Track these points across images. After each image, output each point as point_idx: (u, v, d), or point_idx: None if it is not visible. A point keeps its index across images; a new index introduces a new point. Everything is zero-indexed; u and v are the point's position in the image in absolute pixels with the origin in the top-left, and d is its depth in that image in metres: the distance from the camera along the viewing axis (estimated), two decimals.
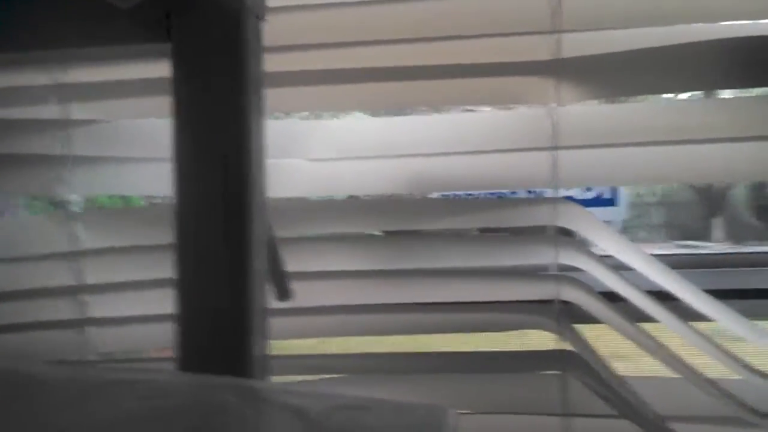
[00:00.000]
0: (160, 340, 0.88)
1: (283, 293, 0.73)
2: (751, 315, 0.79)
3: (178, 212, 0.60)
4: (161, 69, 0.59)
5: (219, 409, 0.45)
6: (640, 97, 0.97)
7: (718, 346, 0.78)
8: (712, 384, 0.76)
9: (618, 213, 1.13)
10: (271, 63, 0.75)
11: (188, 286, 0.60)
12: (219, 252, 0.59)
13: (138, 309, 0.88)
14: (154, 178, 0.85)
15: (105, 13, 0.58)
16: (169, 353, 0.67)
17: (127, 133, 0.87)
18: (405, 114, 0.90)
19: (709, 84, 0.84)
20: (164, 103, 0.59)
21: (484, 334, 0.88)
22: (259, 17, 0.61)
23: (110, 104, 0.87)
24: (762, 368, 0.78)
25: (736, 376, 0.79)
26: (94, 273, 0.89)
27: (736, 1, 0.78)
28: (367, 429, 0.44)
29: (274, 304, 0.69)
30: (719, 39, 0.77)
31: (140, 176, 0.87)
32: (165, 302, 0.62)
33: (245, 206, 0.59)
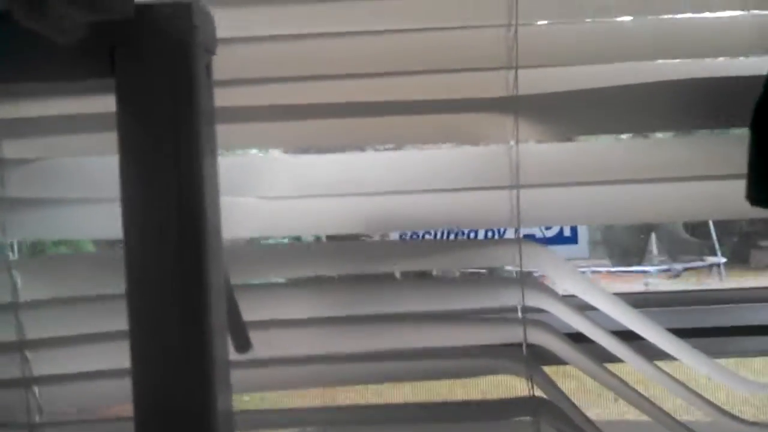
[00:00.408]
0: (116, 396, 0.81)
1: (242, 344, 0.68)
2: (712, 353, 0.79)
3: (128, 257, 0.56)
4: (105, 103, 0.55)
5: None
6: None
7: (684, 387, 0.76)
8: (683, 427, 0.74)
9: (579, 251, 1.12)
10: (223, 98, 0.73)
11: (142, 338, 0.56)
12: (174, 300, 0.55)
13: (90, 364, 0.81)
14: (101, 220, 0.80)
15: (44, 47, 0.54)
16: (127, 411, 0.63)
17: (69, 172, 0.82)
18: (362, 151, 0.88)
19: (667, 124, 0.83)
20: (109, 139, 0.55)
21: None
22: (209, 50, 0.58)
23: (48, 141, 0.81)
24: (727, 408, 0.77)
25: (704, 418, 0.77)
26: (37, 326, 0.82)
27: (691, 39, 0.78)
28: None
29: (233, 355, 0.64)
30: (670, 80, 0.77)
31: (85, 218, 0.82)
32: (120, 356, 0.57)
33: (200, 249, 0.56)
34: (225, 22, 0.74)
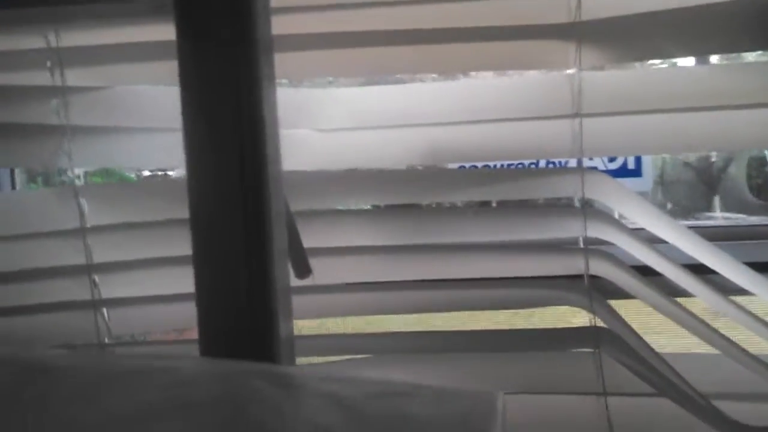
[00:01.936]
0: (181, 320, 0.83)
1: (302, 271, 0.69)
2: None
3: (192, 187, 0.56)
4: (165, 31, 0.54)
5: (251, 398, 0.41)
6: (665, 61, 0.92)
7: (757, 319, 0.74)
8: (754, 360, 0.72)
9: (643, 183, 1.09)
10: (280, 26, 0.71)
11: (207, 265, 0.57)
12: (237, 228, 0.56)
13: (155, 289, 0.83)
14: (164, 149, 0.80)
15: None
16: (191, 334, 0.64)
17: (133, 101, 0.82)
18: (419, 81, 0.86)
19: (738, 46, 0.79)
20: (170, 68, 0.55)
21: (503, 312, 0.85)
22: None
23: (112, 69, 0.81)
24: None
25: None
26: (104, 251, 0.84)
27: None
28: (413, 418, 0.40)
29: (293, 282, 0.65)
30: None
31: (149, 148, 0.82)
32: (184, 281, 0.58)
33: (261, 178, 0.56)
34: None
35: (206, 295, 0.56)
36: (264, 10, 0.57)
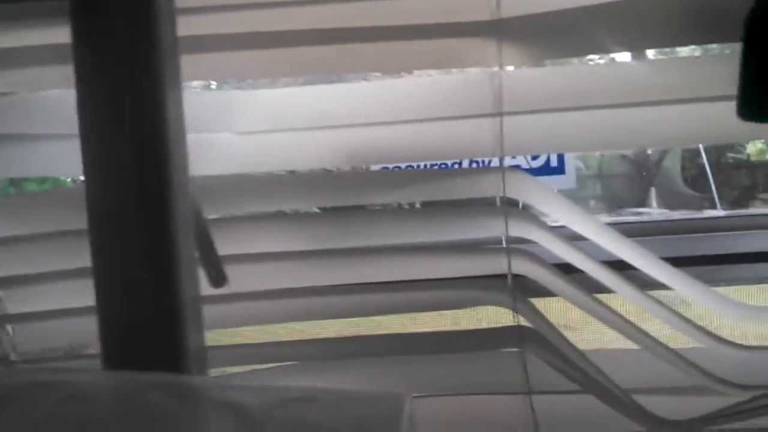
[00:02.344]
0: (88, 334, 0.80)
1: (217, 279, 0.67)
2: (707, 281, 0.77)
3: (90, 194, 0.53)
4: (66, 34, 0.52)
5: (149, 412, 0.40)
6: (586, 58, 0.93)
7: (676, 315, 0.75)
8: (674, 354, 0.73)
9: (566, 181, 1.10)
10: (188, 27, 0.69)
11: (106, 275, 0.54)
12: (137, 235, 0.53)
13: (60, 302, 0.79)
14: (67, 156, 0.77)
15: None
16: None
17: (31, 107, 0.79)
18: (339, 82, 0.85)
19: (658, 42, 0.80)
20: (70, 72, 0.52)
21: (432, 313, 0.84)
22: None
23: (9, 75, 0.78)
24: (719, 334, 0.76)
25: (697, 345, 0.76)
26: (7, 264, 0.80)
27: None
28: (314, 424, 0.39)
29: (208, 290, 0.63)
30: None
31: (51, 155, 0.79)
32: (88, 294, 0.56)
33: (164, 184, 0.53)
34: None
35: (107, 308, 0.54)
36: (167, 10, 0.54)
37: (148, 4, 0.52)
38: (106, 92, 0.52)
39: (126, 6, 0.51)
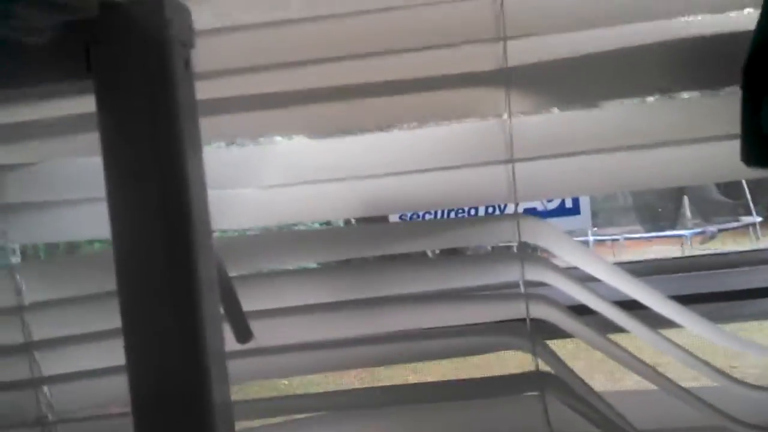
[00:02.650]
0: (122, 392, 0.82)
1: (242, 334, 0.69)
2: (717, 319, 0.78)
3: (117, 255, 0.56)
4: (89, 104, 0.55)
5: None
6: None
7: (690, 354, 0.75)
8: (689, 394, 0.73)
9: (581, 221, 1.11)
10: (205, 90, 0.72)
11: (135, 334, 0.56)
12: (164, 295, 0.55)
13: (97, 362, 0.82)
14: (98, 220, 0.80)
15: (19, 51, 0.54)
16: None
17: (65, 174, 0.82)
18: (353, 134, 0.87)
19: (664, 86, 0.82)
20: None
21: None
22: (186, 44, 0.57)
23: (43, 144, 0.81)
24: (735, 374, 0.76)
25: (711, 384, 0.77)
26: (43, 328, 0.83)
27: None
28: None
29: (234, 346, 0.65)
30: (671, 39, 0.75)
31: (83, 219, 0.82)
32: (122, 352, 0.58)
33: (188, 243, 0.56)
34: (205, 14, 0.75)
35: (136, 367, 0.56)
36: (185, 75, 0.57)
37: (165, 71, 0.55)
38: (130, 156, 0.55)
39: (146, 75, 0.54)
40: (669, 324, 0.78)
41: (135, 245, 0.56)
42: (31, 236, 0.86)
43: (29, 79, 0.56)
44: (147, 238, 0.55)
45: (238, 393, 0.63)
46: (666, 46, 0.75)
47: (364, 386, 0.83)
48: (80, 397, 0.84)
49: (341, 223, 1.13)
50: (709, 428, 0.75)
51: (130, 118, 0.55)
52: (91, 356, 0.81)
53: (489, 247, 1.07)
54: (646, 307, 0.78)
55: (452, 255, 0.89)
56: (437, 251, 0.94)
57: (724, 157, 0.74)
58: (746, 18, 0.73)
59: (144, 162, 0.55)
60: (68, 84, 0.58)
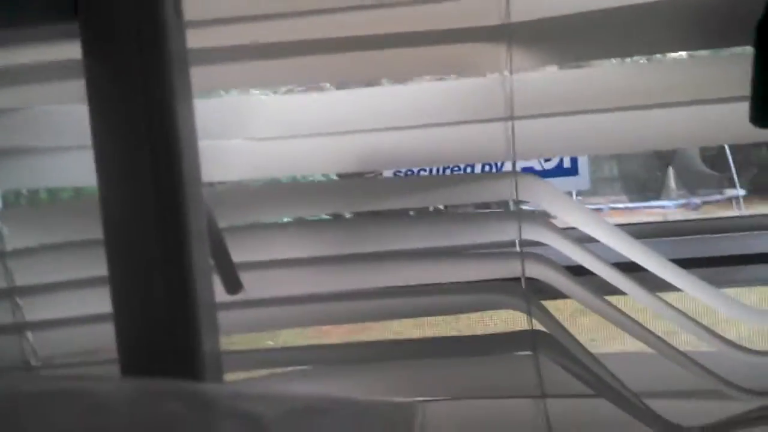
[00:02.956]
0: (107, 340, 0.81)
1: (232, 285, 0.68)
2: (717, 283, 0.77)
3: (105, 204, 0.55)
4: (77, 50, 0.53)
5: (165, 423, 0.41)
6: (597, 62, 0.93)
7: (688, 318, 0.75)
8: (685, 357, 0.73)
9: (580, 182, 1.10)
10: (197, 38, 0.70)
11: (122, 282, 0.55)
12: (152, 244, 0.54)
13: (81, 309, 0.81)
14: (79, 168, 0.78)
15: None
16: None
17: (46, 121, 0.80)
18: (350, 88, 0.85)
19: (668, 46, 0.80)
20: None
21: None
22: None
23: (23, 90, 0.79)
24: (733, 339, 0.76)
25: (709, 348, 0.76)
26: (26, 274, 0.82)
27: None
28: None
29: (224, 297, 0.64)
30: None
31: (64, 166, 0.81)
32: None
33: (177, 193, 0.54)
34: None
35: (124, 314, 0.55)
36: (176, 23, 0.55)
37: (156, 18, 0.52)
38: (118, 105, 0.53)
39: (135, 21, 0.52)
40: (670, 288, 0.77)
41: (122, 194, 0.54)
42: (13, 182, 0.84)
43: (13, 20, 0.54)
44: (135, 188, 0.54)
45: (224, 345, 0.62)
46: (670, 4, 0.73)
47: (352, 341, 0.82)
48: (64, 344, 0.83)
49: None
50: (705, 392, 0.74)
51: (117, 64, 0.52)
52: (76, 303, 0.80)
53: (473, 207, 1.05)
54: (644, 269, 0.77)
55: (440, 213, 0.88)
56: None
57: (733, 119, 0.73)
58: None
59: (132, 111, 0.53)
60: (54, 27, 0.56)
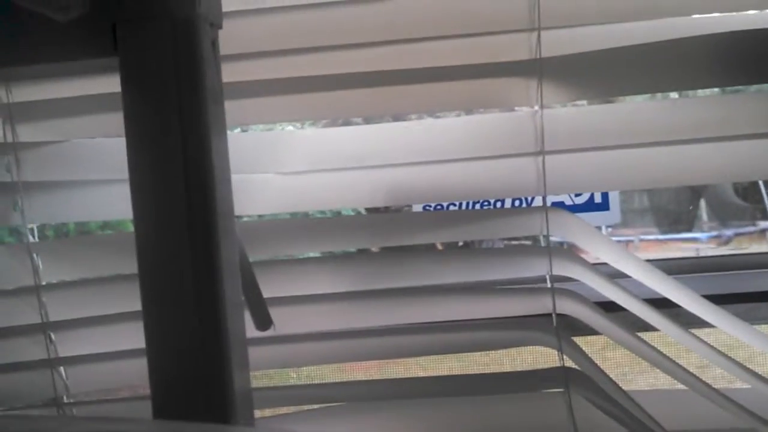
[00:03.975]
0: (139, 376, 0.81)
1: (262, 321, 0.68)
2: (750, 319, 0.77)
3: (140, 238, 0.55)
4: (114, 83, 0.54)
5: None
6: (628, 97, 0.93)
7: (721, 354, 0.73)
8: (719, 394, 0.71)
9: (611, 217, 1.09)
10: (232, 73, 0.71)
11: (156, 317, 0.55)
12: (185, 278, 0.54)
13: (112, 345, 0.81)
14: (118, 201, 0.80)
15: (46, 27, 0.53)
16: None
17: (85, 154, 0.82)
18: (381, 122, 0.86)
19: (699, 82, 0.79)
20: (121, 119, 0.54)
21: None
22: (215, 24, 0.56)
23: (63, 123, 0.81)
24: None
25: (743, 385, 0.75)
26: (60, 308, 0.83)
27: None
28: None
29: (254, 333, 0.64)
30: (707, 34, 0.73)
31: (102, 200, 0.82)
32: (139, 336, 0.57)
33: (211, 228, 0.55)
34: None
35: (157, 351, 0.55)
36: (211, 57, 0.56)
37: (193, 53, 0.53)
38: (155, 139, 0.54)
39: (172, 56, 0.53)
40: (700, 323, 0.75)
41: (157, 228, 0.55)
42: (47, 216, 0.85)
43: (55, 55, 0.55)
44: (170, 222, 0.54)
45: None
46: (703, 40, 0.73)
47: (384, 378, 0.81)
48: (96, 380, 0.83)
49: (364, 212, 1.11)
50: (739, 430, 0.73)
51: (155, 99, 0.53)
52: (109, 339, 0.81)
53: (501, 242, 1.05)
54: (676, 305, 0.76)
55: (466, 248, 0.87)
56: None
57: (758, 155, 0.72)
58: None
59: (168, 144, 0.54)
60: (94, 62, 0.58)
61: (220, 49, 0.58)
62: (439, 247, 0.96)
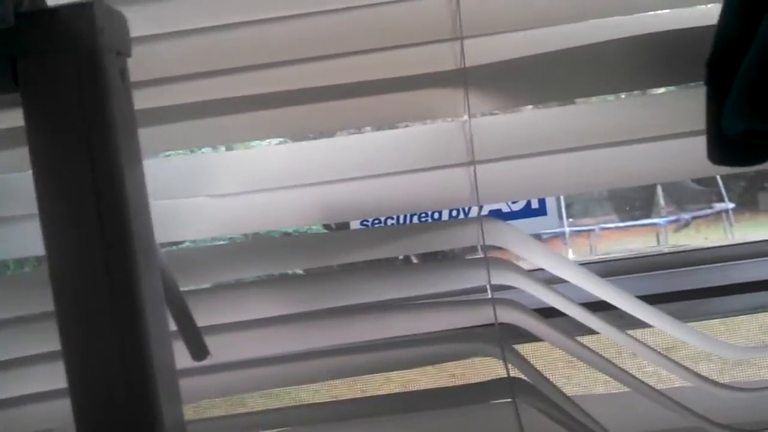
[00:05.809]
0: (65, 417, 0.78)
1: (198, 351, 0.66)
2: (685, 317, 0.77)
3: (54, 277, 0.53)
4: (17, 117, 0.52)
5: None
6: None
7: (660, 355, 0.74)
8: (662, 395, 0.72)
9: (548, 222, 1.09)
10: (149, 98, 0.69)
11: (76, 357, 0.53)
12: (104, 313, 0.53)
13: (36, 386, 0.78)
14: (30, 237, 0.77)
15: None
16: None
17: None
18: (310, 139, 0.85)
19: (620, 85, 0.80)
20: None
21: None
22: (122, 53, 0.55)
23: None
24: (706, 374, 0.75)
25: (683, 384, 0.75)
26: None
27: None
28: None
29: (191, 363, 0.62)
30: (626, 37, 0.73)
31: (13, 236, 0.79)
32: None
33: (129, 262, 0.53)
34: (144, 20, 0.72)
35: (80, 391, 0.53)
36: (120, 86, 0.55)
37: (98, 82, 0.52)
38: (63, 172, 0.52)
39: (77, 87, 0.51)
40: (640, 324, 0.76)
41: (71, 264, 0.53)
42: None
43: None
44: (84, 257, 0.52)
45: (199, 410, 0.60)
46: (626, 42, 0.73)
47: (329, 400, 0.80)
48: (22, 423, 0.80)
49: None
50: (684, 429, 0.73)
51: (61, 133, 0.52)
52: (32, 380, 0.77)
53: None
54: (615, 307, 0.76)
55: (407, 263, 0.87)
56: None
57: (692, 155, 0.73)
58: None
59: (78, 178, 0.52)
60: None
61: (137, 75, 0.56)
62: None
